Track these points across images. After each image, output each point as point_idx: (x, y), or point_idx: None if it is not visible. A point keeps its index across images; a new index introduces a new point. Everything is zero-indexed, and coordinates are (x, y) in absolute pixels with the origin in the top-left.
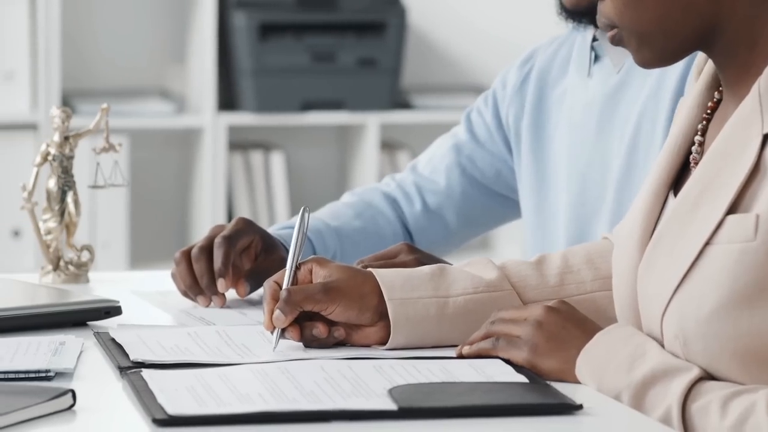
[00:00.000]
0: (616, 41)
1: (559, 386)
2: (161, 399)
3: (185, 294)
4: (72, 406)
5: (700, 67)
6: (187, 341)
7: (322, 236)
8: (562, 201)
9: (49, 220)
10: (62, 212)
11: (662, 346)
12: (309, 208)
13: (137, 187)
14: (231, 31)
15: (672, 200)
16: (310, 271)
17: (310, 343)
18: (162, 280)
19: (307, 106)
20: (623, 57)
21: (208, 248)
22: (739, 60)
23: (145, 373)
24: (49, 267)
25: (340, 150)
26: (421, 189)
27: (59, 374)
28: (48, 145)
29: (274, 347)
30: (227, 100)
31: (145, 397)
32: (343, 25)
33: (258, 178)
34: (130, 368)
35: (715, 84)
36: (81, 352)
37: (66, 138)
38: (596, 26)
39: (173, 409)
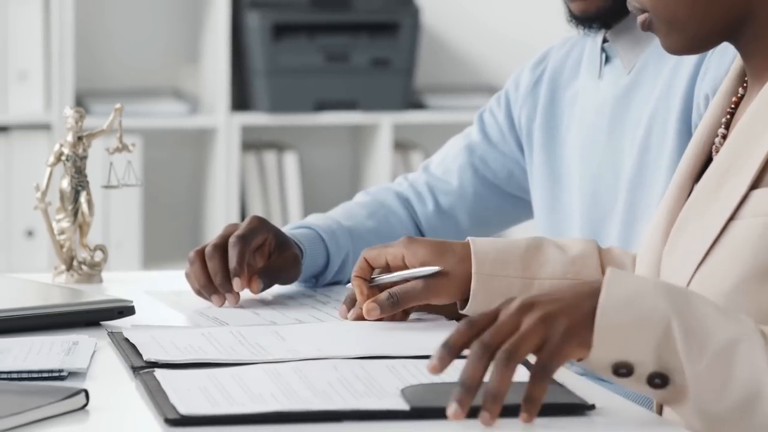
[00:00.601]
0: (645, 26)
1: (573, 386)
2: (174, 399)
3: (199, 293)
4: (85, 405)
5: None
6: (201, 341)
7: (335, 236)
8: (575, 202)
9: (62, 220)
10: (75, 212)
11: None
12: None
13: (150, 187)
14: (244, 32)
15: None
16: (402, 258)
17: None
18: (175, 280)
19: (321, 106)
20: (634, 58)
21: (222, 247)
22: (766, 48)
23: (158, 372)
24: (63, 267)
25: (353, 150)
26: (433, 189)
27: (72, 374)
28: (61, 145)
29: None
30: (240, 101)
31: (157, 396)
32: (356, 25)
33: (271, 179)
34: (143, 368)
35: (741, 80)
36: (94, 352)
37: (79, 138)
38: (607, 29)
39: (185, 409)
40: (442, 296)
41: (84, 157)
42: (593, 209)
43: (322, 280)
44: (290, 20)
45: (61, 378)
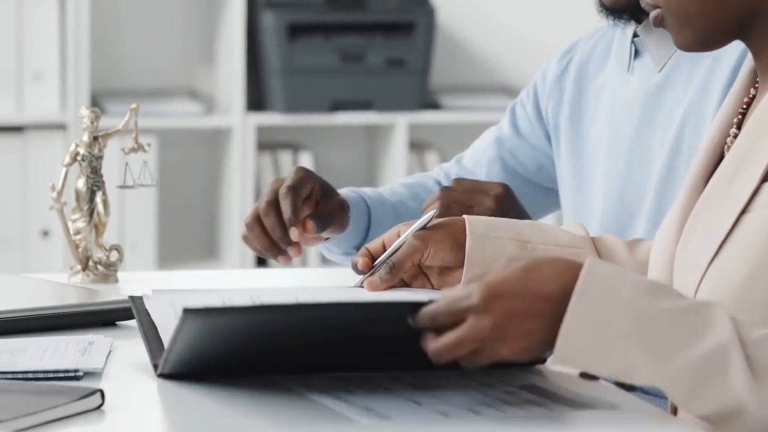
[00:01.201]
0: (658, 22)
1: (584, 385)
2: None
3: (263, 255)
4: (100, 405)
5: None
6: (215, 300)
7: (379, 204)
8: (598, 199)
9: (78, 220)
10: (91, 212)
11: None
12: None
13: (166, 187)
14: (260, 32)
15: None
16: (398, 234)
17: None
18: (190, 279)
19: (336, 106)
20: (665, 55)
21: (274, 202)
22: None
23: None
24: (78, 267)
25: (368, 150)
26: None
27: (88, 374)
28: (77, 145)
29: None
30: (256, 101)
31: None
32: (371, 25)
33: None
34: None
35: (753, 80)
36: (110, 352)
37: (95, 138)
38: (638, 23)
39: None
40: (437, 248)
41: (100, 157)
42: (619, 208)
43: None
44: (305, 20)
45: (76, 378)
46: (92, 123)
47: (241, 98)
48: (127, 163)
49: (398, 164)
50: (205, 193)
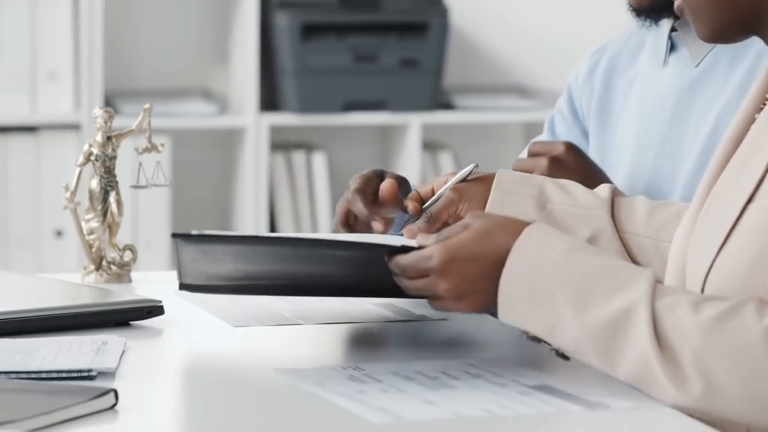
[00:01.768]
0: (680, 12)
1: (602, 384)
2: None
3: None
4: (114, 405)
5: None
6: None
7: None
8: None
9: (91, 220)
10: (105, 212)
11: None
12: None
13: (179, 187)
14: (273, 32)
15: None
16: (445, 181)
17: None
18: None
19: (349, 106)
20: (703, 51)
21: (344, 225)
22: None
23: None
24: (92, 267)
25: (382, 150)
26: None
27: (101, 374)
28: (91, 145)
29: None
30: (269, 101)
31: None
32: (385, 25)
33: (300, 179)
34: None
35: None
36: (123, 352)
37: (109, 138)
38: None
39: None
40: (471, 201)
41: (113, 157)
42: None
43: None
44: (319, 20)
45: (90, 378)
46: (106, 123)
47: (255, 98)
48: (140, 163)
49: (411, 164)
50: (218, 193)
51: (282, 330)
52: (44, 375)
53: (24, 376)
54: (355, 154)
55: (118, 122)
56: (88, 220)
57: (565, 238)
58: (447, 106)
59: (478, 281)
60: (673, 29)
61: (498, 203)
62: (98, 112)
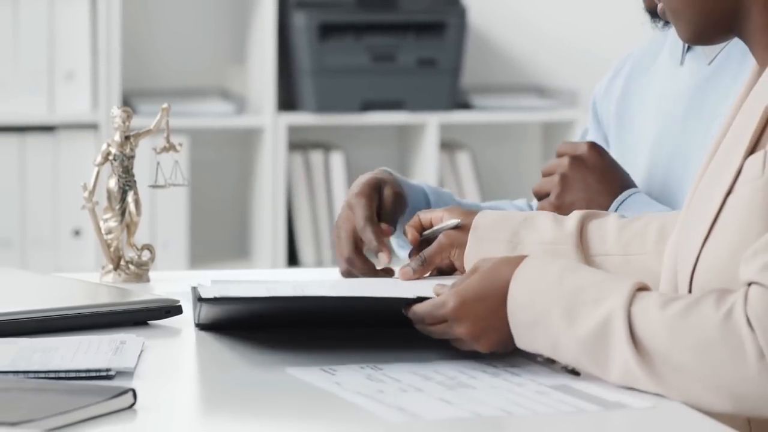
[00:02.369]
0: (663, 15)
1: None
2: (202, 292)
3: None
4: (132, 405)
5: None
6: (260, 290)
7: (437, 202)
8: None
9: (109, 219)
10: (123, 212)
11: None
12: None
13: (197, 186)
14: (291, 31)
15: None
16: (441, 218)
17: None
18: (222, 278)
19: (367, 106)
20: (715, 47)
21: (355, 248)
22: (765, 42)
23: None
24: (110, 266)
25: (399, 150)
26: None
27: (120, 373)
28: (109, 145)
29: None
30: (287, 101)
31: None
32: (402, 25)
33: (318, 178)
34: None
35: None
36: (141, 352)
37: (127, 138)
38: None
39: (206, 294)
40: (461, 249)
41: (131, 157)
42: (660, 201)
43: None
44: (337, 20)
45: (108, 377)
46: (124, 123)
47: (273, 98)
48: (158, 163)
49: (429, 164)
50: (236, 193)
51: (299, 329)
52: (63, 374)
53: (42, 375)
54: (372, 154)
55: (136, 122)
56: (106, 220)
57: (559, 262)
58: (465, 105)
59: (490, 318)
60: None
61: (475, 249)
62: (117, 111)
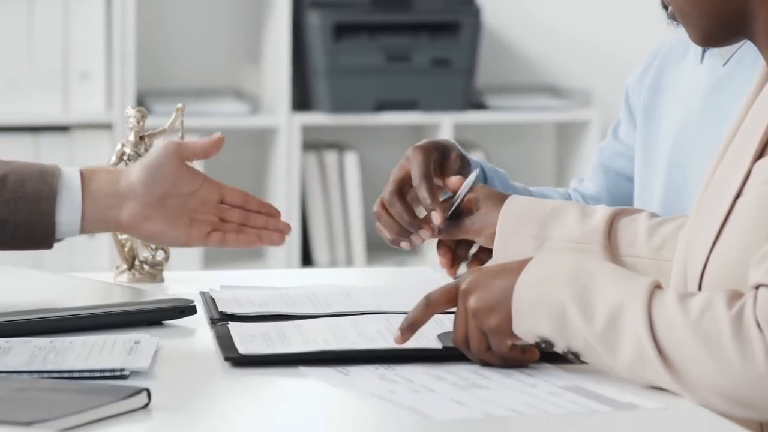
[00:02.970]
0: (672, 17)
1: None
2: (237, 342)
3: (396, 242)
4: (147, 404)
5: None
6: (276, 299)
7: (493, 180)
8: (657, 192)
9: None
10: None
11: None
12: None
13: None
14: (305, 31)
15: None
16: (471, 199)
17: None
18: (236, 279)
19: (381, 106)
20: (730, 49)
21: (398, 192)
22: None
23: (231, 324)
24: (124, 266)
25: None
26: (583, 196)
27: (134, 373)
28: (123, 145)
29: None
30: (301, 101)
31: (224, 341)
32: (417, 25)
33: (332, 178)
34: (219, 320)
35: None
36: (156, 351)
37: (141, 138)
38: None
39: (245, 349)
40: (480, 234)
41: None
42: (675, 203)
43: None
44: (351, 20)
45: (122, 377)
46: (138, 122)
47: (287, 98)
48: None
49: None
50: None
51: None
52: (77, 374)
53: (57, 375)
54: (387, 154)
55: (151, 122)
56: None
57: (580, 254)
58: (479, 105)
59: (502, 294)
60: None
61: (502, 246)
62: (131, 111)
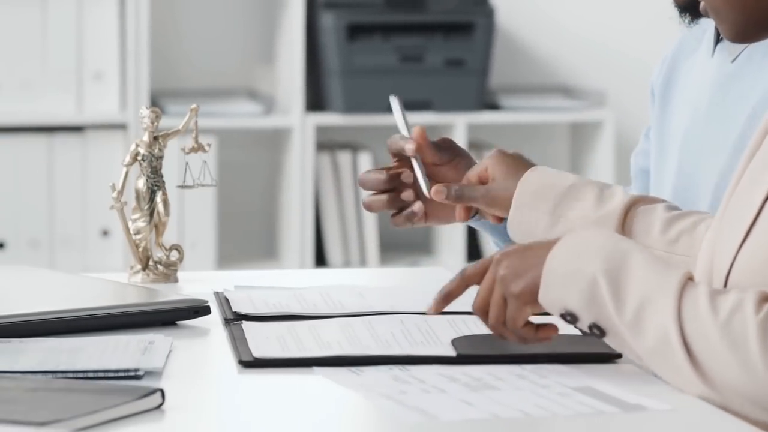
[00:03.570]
0: (705, 13)
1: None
2: (252, 345)
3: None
4: (161, 405)
5: None
6: (290, 299)
7: None
8: (669, 178)
9: (138, 219)
10: (151, 212)
11: None
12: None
13: (225, 187)
14: (319, 32)
15: None
16: (486, 168)
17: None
18: (250, 279)
19: None
20: (738, 46)
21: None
22: None
23: (245, 324)
24: (138, 266)
25: None
26: None
27: (148, 373)
28: (137, 145)
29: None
30: (315, 101)
31: (239, 343)
32: (431, 25)
33: (346, 178)
34: (233, 320)
35: None
36: (170, 352)
37: (155, 138)
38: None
39: (259, 352)
40: (495, 206)
41: (160, 157)
42: (684, 198)
43: None
44: (365, 21)
45: (136, 377)
46: (153, 123)
47: (301, 98)
48: (187, 163)
49: None
50: (264, 193)
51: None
52: (91, 375)
53: (71, 375)
54: None
55: (165, 122)
56: (134, 220)
57: (616, 234)
58: (493, 106)
59: (536, 260)
60: None
61: (517, 216)
62: (145, 112)
